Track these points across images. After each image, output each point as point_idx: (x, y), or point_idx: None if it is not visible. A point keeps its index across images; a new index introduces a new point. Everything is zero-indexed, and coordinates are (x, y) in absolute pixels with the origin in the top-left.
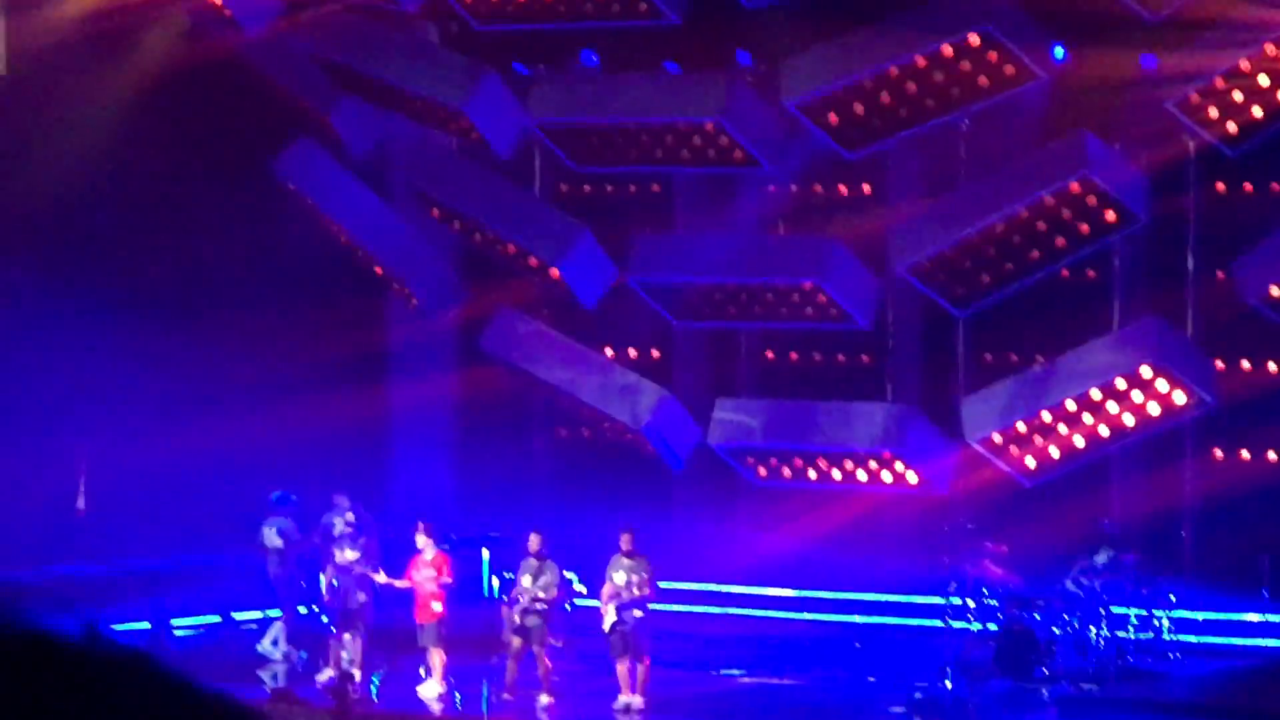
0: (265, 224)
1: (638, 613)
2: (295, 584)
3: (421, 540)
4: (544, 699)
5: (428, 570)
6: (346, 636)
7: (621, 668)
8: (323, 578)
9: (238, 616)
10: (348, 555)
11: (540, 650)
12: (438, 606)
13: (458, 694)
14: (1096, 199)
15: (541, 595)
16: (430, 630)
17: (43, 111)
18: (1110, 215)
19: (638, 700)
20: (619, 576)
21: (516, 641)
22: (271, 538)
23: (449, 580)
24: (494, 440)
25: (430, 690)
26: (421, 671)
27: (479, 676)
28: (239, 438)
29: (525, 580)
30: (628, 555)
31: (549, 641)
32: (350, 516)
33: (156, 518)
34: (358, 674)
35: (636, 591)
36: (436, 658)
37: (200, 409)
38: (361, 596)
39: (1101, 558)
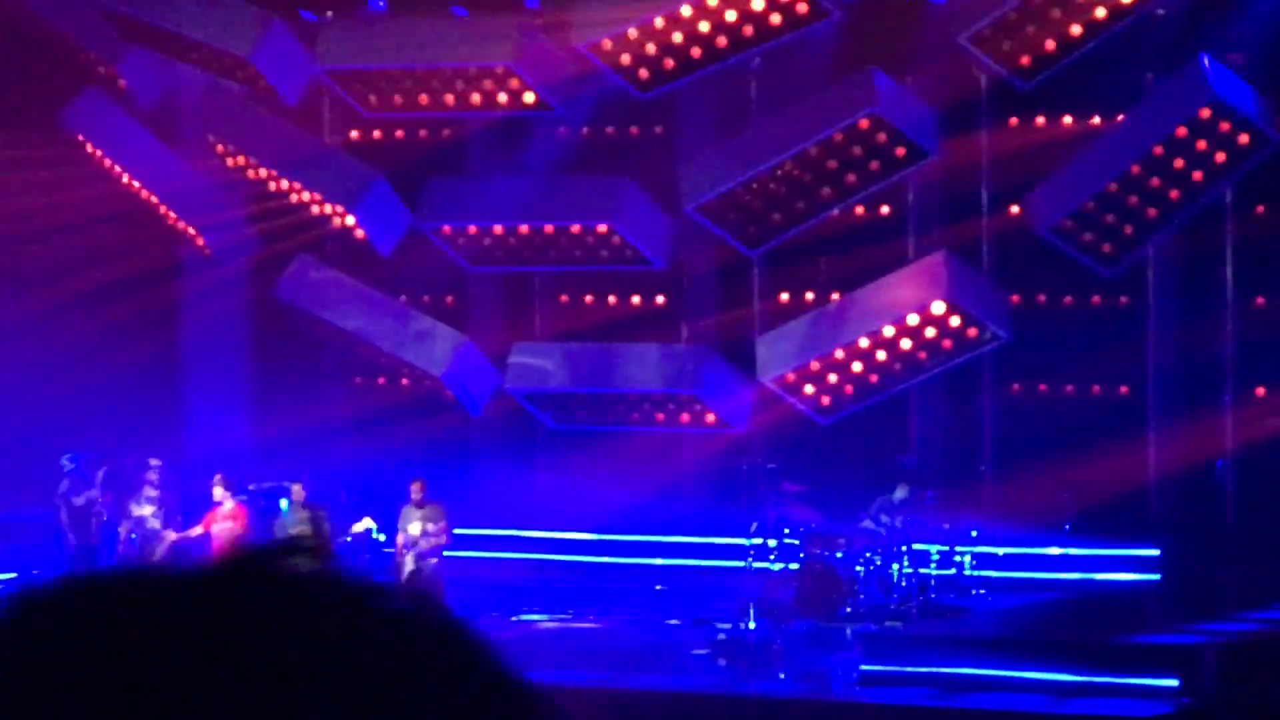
0: (54, 175)
1: (434, 560)
2: (91, 542)
3: (219, 492)
4: None
5: (225, 522)
6: None
7: None
8: (120, 533)
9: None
10: (144, 510)
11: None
12: None
13: None
14: (886, 135)
15: (436, 542)
16: None
17: None
18: (900, 151)
19: None
20: (413, 527)
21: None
22: (73, 498)
23: (247, 530)
24: (291, 390)
25: None
26: None
27: None
28: (33, 394)
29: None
30: (419, 505)
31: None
32: (154, 473)
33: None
34: None
35: (433, 541)
36: None
37: None
38: (159, 551)
39: (900, 493)
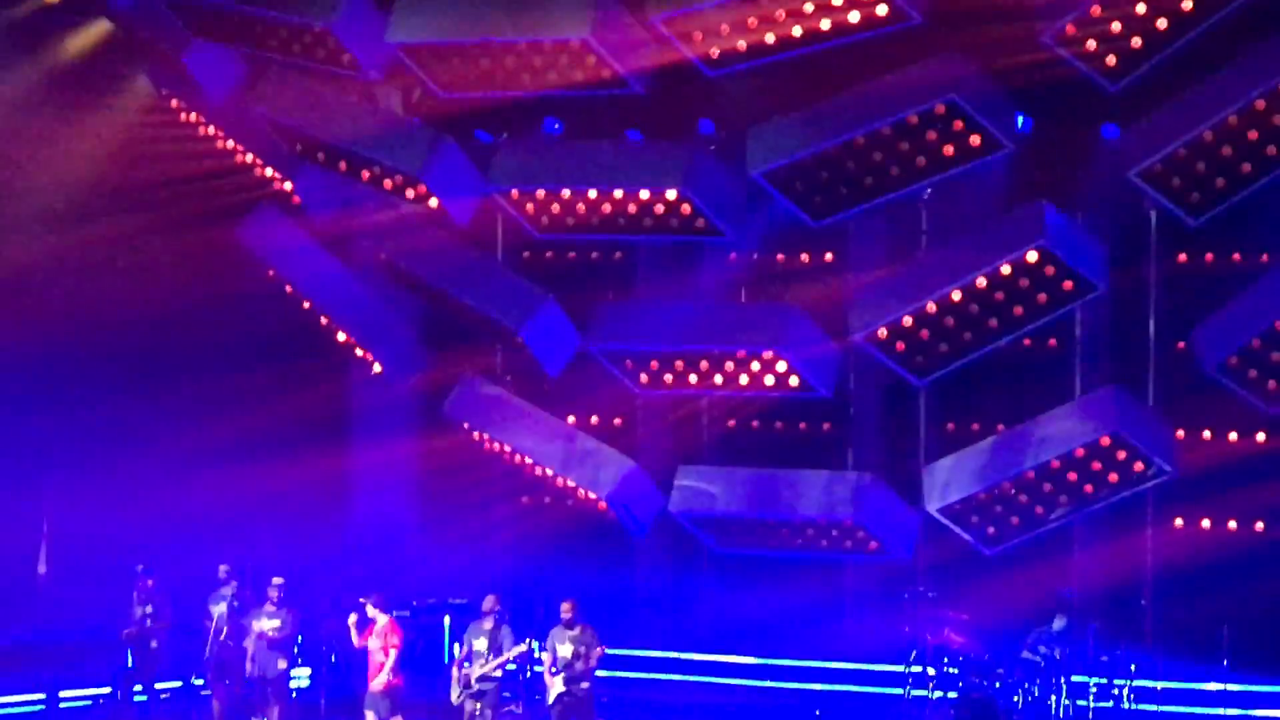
0: (229, 290)
1: (585, 685)
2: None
3: (372, 611)
4: None
5: (378, 640)
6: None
7: None
8: (246, 646)
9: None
10: (264, 625)
11: None
12: (393, 676)
13: None
14: (1054, 269)
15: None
16: (381, 700)
17: (3, 172)
18: (1068, 285)
19: None
20: (563, 649)
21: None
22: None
23: (397, 645)
24: (456, 507)
25: None
26: None
27: None
28: (201, 502)
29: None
30: (568, 626)
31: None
32: (275, 590)
33: (117, 583)
34: None
35: (583, 665)
36: None
37: (163, 474)
38: (281, 664)
39: (1058, 624)
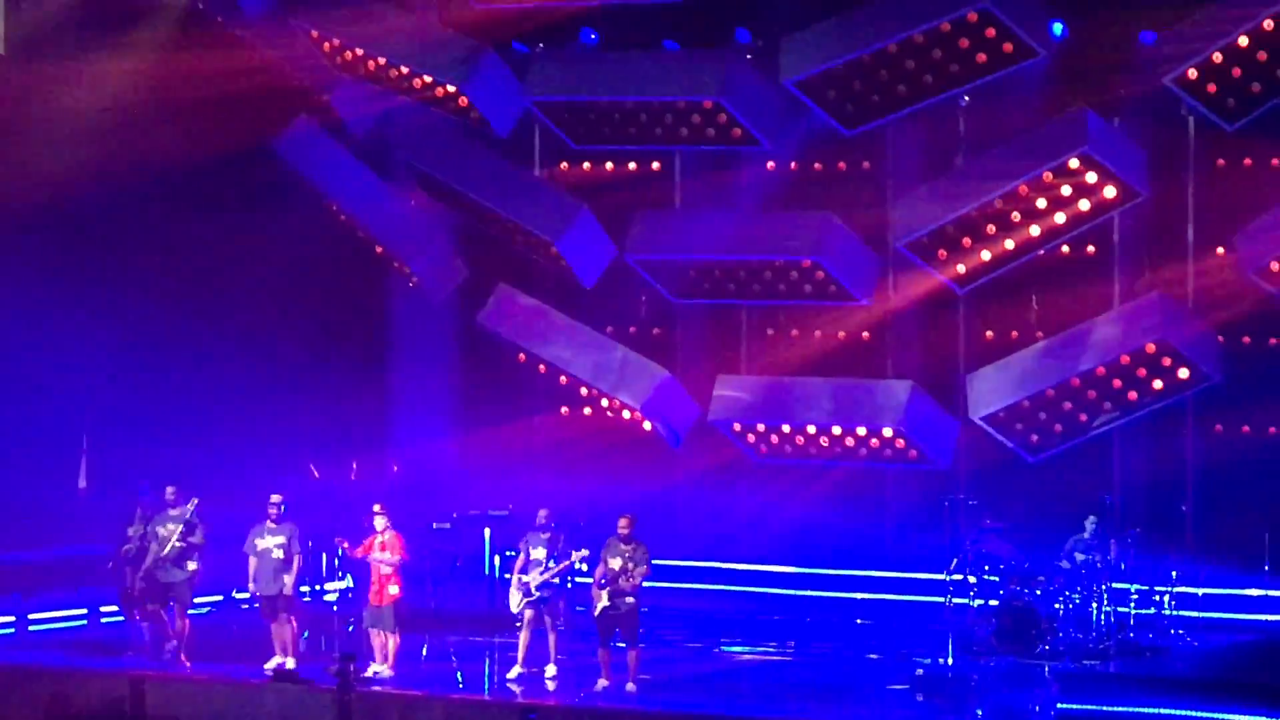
0: (267, 204)
1: (630, 600)
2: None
3: (380, 521)
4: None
5: (383, 553)
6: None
7: (604, 653)
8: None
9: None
10: (267, 542)
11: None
12: (394, 589)
13: (460, 674)
14: (1097, 175)
15: (635, 580)
16: (386, 613)
17: (41, 93)
18: (1110, 191)
19: (631, 686)
20: (614, 561)
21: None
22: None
23: (404, 558)
24: (494, 418)
25: (385, 673)
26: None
27: (483, 654)
28: (242, 418)
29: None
30: (624, 540)
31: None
32: (274, 509)
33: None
34: (291, 661)
35: (631, 581)
36: (391, 641)
37: (203, 387)
38: (288, 579)
39: (1089, 525)
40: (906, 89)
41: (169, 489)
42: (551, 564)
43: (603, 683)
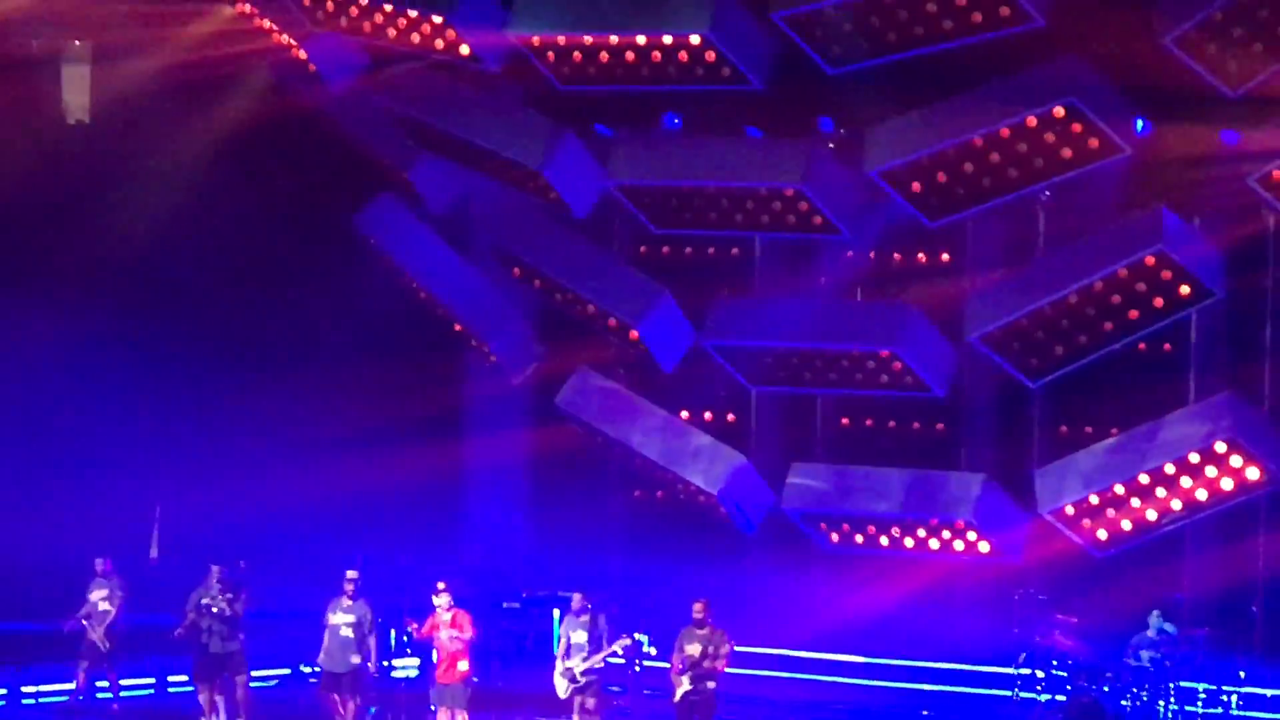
0: (345, 278)
1: (711, 684)
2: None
3: (442, 599)
4: None
5: (449, 630)
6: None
7: None
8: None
9: (304, 670)
10: (338, 619)
11: None
12: (464, 665)
13: None
14: (1171, 273)
15: (715, 665)
16: (456, 690)
17: (126, 160)
18: (1185, 290)
19: None
20: (692, 648)
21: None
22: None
23: (471, 635)
24: (568, 499)
25: None
26: None
27: None
28: (314, 491)
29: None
30: (699, 625)
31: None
32: (350, 584)
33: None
34: None
35: (715, 664)
36: (460, 718)
37: (277, 460)
38: (354, 659)
39: (1154, 622)
40: (990, 182)
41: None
42: (591, 650)
43: None
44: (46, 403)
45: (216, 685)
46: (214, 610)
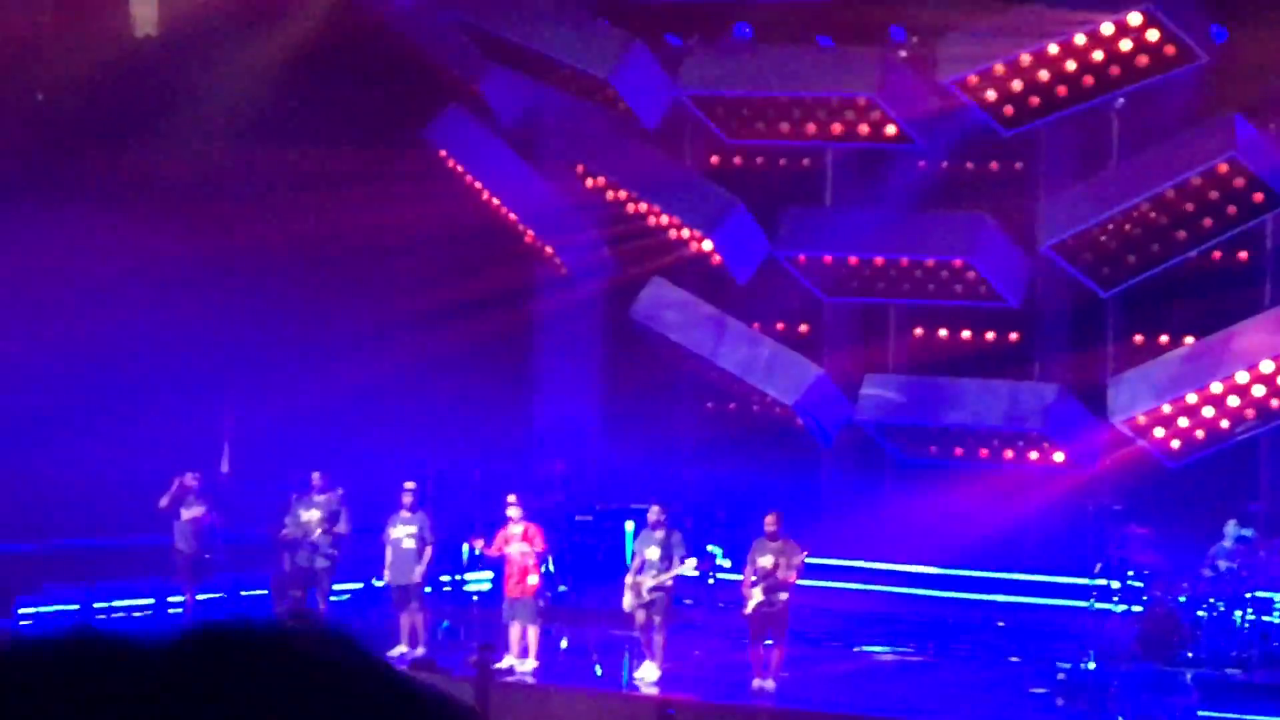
0: (416, 191)
1: (784, 596)
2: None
3: (514, 512)
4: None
5: (520, 544)
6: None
7: (755, 651)
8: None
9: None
10: (399, 531)
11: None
12: (534, 579)
13: (599, 667)
14: (1244, 181)
15: (787, 577)
16: (526, 605)
17: (194, 74)
18: (1258, 197)
19: (770, 684)
20: (765, 560)
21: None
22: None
23: (543, 549)
24: (640, 411)
25: (526, 665)
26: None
27: (622, 649)
28: (387, 405)
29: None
30: (772, 538)
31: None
32: (408, 495)
33: (303, 483)
34: (420, 650)
35: (785, 576)
36: (531, 631)
37: (346, 378)
38: (418, 570)
39: (1231, 532)
40: (1066, 90)
41: (314, 474)
42: (663, 567)
43: (758, 682)
44: (117, 317)
45: (300, 599)
46: (314, 529)
